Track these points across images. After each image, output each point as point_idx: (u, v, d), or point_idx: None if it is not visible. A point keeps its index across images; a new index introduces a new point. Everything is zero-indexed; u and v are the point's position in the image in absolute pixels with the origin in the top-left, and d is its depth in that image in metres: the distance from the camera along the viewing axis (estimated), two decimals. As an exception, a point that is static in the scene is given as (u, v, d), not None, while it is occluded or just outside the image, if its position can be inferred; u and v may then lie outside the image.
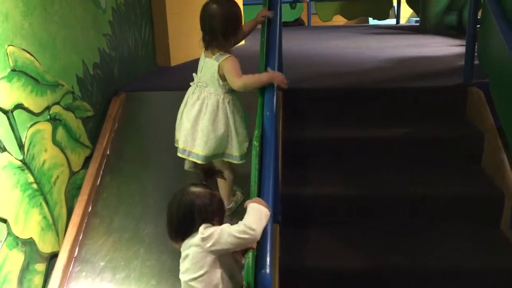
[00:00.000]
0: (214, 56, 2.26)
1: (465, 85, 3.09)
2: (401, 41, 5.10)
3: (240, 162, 2.32)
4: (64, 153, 2.56)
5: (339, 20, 6.83)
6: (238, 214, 2.27)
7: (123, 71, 3.39)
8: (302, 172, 2.88)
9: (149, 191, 2.76)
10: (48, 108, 2.42)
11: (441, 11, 5.31)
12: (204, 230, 1.61)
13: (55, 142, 2.47)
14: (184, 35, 4.17)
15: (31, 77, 2.30)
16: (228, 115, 2.26)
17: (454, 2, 5.22)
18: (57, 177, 2.48)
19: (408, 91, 3.20)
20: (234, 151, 2.30)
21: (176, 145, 2.41)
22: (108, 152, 2.93)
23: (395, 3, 6.62)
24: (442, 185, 2.73)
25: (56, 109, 2.50)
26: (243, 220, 1.62)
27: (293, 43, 5.02)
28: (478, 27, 3.06)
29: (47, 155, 2.40)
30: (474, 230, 2.58)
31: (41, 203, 2.33)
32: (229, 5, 2.28)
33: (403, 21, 6.92)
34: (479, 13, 3.10)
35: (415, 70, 3.68)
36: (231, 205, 2.50)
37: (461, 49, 3.85)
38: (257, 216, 1.63)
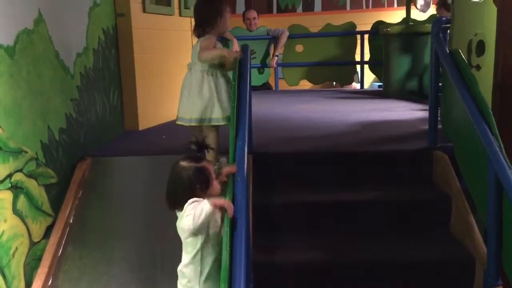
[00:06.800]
0: (200, 39, 2.89)
1: (430, 149, 3.17)
2: (366, 105, 5.24)
3: (223, 123, 2.84)
4: (25, 223, 2.45)
5: (306, 84, 7.02)
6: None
7: (90, 136, 3.34)
8: (273, 237, 2.83)
9: (114, 261, 2.64)
10: (9, 175, 2.33)
11: (402, 77, 5.53)
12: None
13: (15, 211, 2.37)
14: (153, 99, 4.18)
15: (-7, 144, 2.23)
16: (211, 85, 2.83)
17: (415, 69, 5.46)
18: (16, 248, 2.35)
19: (374, 155, 3.25)
20: (217, 114, 2.83)
21: (178, 122, 2.95)
22: (71, 221, 2.81)
23: (358, 69, 6.88)
24: (412, 250, 2.71)
25: (18, 176, 2.41)
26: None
27: (262, 107, 5.09)
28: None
29: (7, 225, 2.28)
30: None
31: (-3, 278, 2.19)
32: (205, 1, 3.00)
33: (366, 85, 7.16)
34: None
35: (381, 134, 3.75)
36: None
37: (424, 114, 3.99)
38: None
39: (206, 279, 1.94)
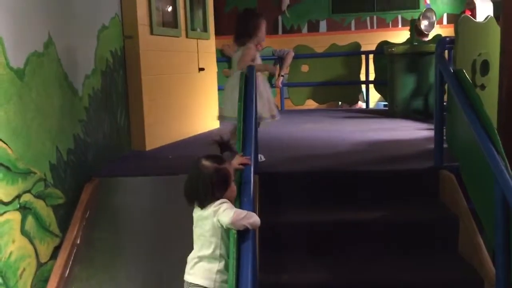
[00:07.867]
0: (241, 48, 3.40)
1: (436, 168, 3.16)
2: (372, 124, 5.25)
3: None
4: (33, 244, 2.46)
5: (311, 104, 7.05)
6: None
7: (97, 157, 3.37)
8: (279, 257, 2.82)
9: (121, 282, 2.64)
10: (18, 196, 2.36)
11: (407, 97, 5.55)
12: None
13: (23, 232, 2.38)
14: (160, 120, 4.22)
15: (2, 165, 2.26)
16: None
17: (420, 88, 5.48)
18: (24, 269, 2.36)
19: (381, 175, 3.24)
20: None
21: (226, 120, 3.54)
22: (78, 241, 2.82)
23: (363, 89, 6.91)
24: (419, 271, 2.68)
25: (26, 197, 2.43)
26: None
27: (267, 127, 5.11)
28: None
29: (15, 246, 2.30)
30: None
31: (4, 299, 2.20)
32: (244, 14, 3.55)
33: (371, 105, 7.18)
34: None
35: (387, 153, 3.75)
36: None
37: (429, 133, 3.99)
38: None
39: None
